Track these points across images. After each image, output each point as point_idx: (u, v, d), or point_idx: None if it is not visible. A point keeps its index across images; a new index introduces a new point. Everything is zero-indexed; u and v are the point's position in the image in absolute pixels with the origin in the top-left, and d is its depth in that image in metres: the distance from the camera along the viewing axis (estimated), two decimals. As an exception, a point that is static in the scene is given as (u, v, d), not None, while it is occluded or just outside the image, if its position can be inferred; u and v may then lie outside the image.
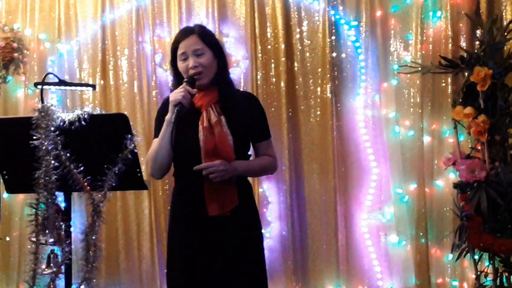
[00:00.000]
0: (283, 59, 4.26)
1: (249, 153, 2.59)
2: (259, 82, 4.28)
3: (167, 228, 2.61)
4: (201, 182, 2.38)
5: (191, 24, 2.70)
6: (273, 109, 4.26)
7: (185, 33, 2.51)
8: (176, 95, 2.37)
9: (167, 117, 2.39)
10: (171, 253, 2.53)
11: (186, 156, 2.42)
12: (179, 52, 2.47)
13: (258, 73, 4.29)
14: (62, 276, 2.32)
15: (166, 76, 4.37)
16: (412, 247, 4.14)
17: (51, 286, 2.29)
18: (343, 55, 4.28)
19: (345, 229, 4.23)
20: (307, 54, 4.30)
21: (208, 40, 2.49)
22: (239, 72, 4.30)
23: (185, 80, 2.43)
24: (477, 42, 3.70)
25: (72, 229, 2.41)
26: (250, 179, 2.64)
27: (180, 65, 2.47)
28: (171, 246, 2.54)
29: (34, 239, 2.25)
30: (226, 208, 2.39)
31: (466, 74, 3.20)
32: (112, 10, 4.42)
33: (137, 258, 4.33)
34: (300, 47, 4.30)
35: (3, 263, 4.36)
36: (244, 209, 2.46)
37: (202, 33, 2.50)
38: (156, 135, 2.48)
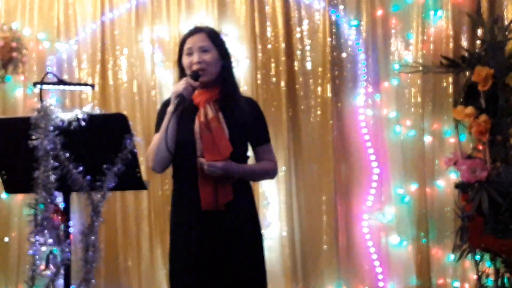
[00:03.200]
0: (283, 58, 4.24)
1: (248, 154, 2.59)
2: (259, 81, 4.27)
3: (170, 225, 2.59)
4: (197, 176, 2.41)
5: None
6: (273, 109, 4.25)
7: (194, 30, 2.56)
8: (178, 86, 2.42)
9: (169, 108, 2.43)
10: (171, 248, 2.55)
11: (182, 151, 2.44)
12: (186, 47, 2.51)
13: (258, 72, 4.27)
14: (61, 276, 2.30)
15: (165, 75, 4.36)
16: (413, 248, 4.13)
17: (50, 286, 2.27)
18: (344, 55, 4.27)
19: (345, 230, 4.22)
20: (308, 53, 4.28)
21: (216, 40, 2.53)
22: (239, 71, 4.28)
23: (189, 74, 2.47)
24: (478, 42, 3.70)
25: (71, 229, 2.39)
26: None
27: (185, 60, 2.51)
28: (172, 241, 2.55)
29: (33, 239, 2.24)
30: (220, 202, 2.40)
31: (467, 73, 3.19)
32: (112, 9, 4.40)
33: (136, 259, 4.31)
34: (300, 47, 4.28)
35: (2, 264, 4.35)
36: (241, 206, 2.47)
37: (211, 33, 2.55)
38: (157, 130, 2.51)
